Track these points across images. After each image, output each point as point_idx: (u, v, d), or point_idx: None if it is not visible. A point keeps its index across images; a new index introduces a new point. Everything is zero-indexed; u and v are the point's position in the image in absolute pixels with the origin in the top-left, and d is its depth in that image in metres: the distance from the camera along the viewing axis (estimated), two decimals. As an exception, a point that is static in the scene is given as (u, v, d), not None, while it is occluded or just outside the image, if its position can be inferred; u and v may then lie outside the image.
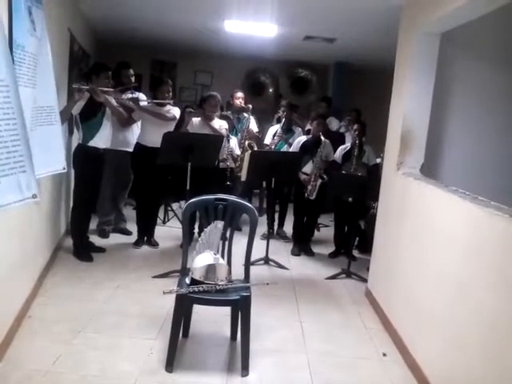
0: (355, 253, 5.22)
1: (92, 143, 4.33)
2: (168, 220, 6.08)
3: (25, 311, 3.23)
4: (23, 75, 2.62)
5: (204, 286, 2.74)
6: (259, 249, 4.71)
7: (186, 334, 3.13)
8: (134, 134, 5.09)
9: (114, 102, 4.50)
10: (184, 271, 2.97)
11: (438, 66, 3.65)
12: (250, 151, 5.22)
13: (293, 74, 7.94)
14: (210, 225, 2.96)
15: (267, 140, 5.89)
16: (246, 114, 5.96)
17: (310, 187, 5.09)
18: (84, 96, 4.20)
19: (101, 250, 4.69)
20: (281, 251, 5.30)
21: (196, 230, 4.76)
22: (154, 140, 4.50)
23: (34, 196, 2.36)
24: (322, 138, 5.08)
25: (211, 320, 3.35)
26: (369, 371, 3.00)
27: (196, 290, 2.72)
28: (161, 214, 5.72)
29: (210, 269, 2.79)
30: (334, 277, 4.62)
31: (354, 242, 5.24)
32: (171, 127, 4.83)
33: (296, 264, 4.98)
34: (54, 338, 2.99)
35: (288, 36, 6.05)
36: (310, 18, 5.14)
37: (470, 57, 4.11)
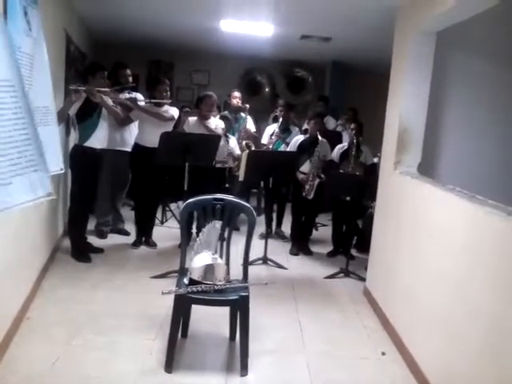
0: (353, 252, 5.22)
1: (88, 143, 4.32)
2: (166, 220, 6.08)
3: (23, 313, 3.22)
4: (19, 76, 2.61)
5: (202, 286, 2.74)
6: (257, 248, 4.71)
7: (184, 335, 3.13)
8: (132, 133, 5.08)
9: (110, 101, 4.50)
10: (182, 271, 2.97)
11: (434, 64, 3.66)
12: (247, 151, 5.22)
13: (289, 73, 7.93)
14: (208, 225, 2.96)
15: (264, 140, 5.89)
16: (243, 114, 5.97)
17: (307, 187, 5.09)
18: (81, 97, 4.20)
19: (99, 250, 4.68)
20: (279, 251, 5.30)
21: (194, 230, 4.76)
22: (152, 140, 4.50)
23: (49, 194, 2.37)
24: (320, 137, 5.08)
25: (210, 320, 3.35)
26: (368, 370, 3.01)
27: (194, 290, 2.72)
28: (159, 215, 5.71)
29: (209, 269, 2.79)
30: (332, 276, 4.63)
31: (352, 241, 5.25)
32: (169, 127, 4.83)
33: (294, 263, 4.98)
34: (53, 340, 2.99)
35: (284, 35, 6.05)
36: (306, 17, 5.14)
37: (466, 55, 4.12)
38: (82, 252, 4.47)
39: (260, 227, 5.35)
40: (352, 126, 5.31)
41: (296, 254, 5.27)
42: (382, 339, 3.43)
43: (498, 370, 2.10)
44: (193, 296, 2.72)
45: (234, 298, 2.79)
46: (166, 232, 5.59)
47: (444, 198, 2.83)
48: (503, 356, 2.07)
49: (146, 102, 4.88)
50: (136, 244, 5.00)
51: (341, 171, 5.11)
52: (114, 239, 5.19)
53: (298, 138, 5.38)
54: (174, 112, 4.92)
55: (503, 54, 4.05)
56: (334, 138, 5.94)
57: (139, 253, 4.89)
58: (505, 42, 3.97)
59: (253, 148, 5.80)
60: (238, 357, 2.84)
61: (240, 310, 2.84)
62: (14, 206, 2.17)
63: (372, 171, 5.03)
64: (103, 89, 4.32)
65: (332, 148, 5.35)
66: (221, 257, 2.99)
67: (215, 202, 3.00)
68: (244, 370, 2.80)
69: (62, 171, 3.29)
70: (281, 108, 5.89)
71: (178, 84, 8.41)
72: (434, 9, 3.21)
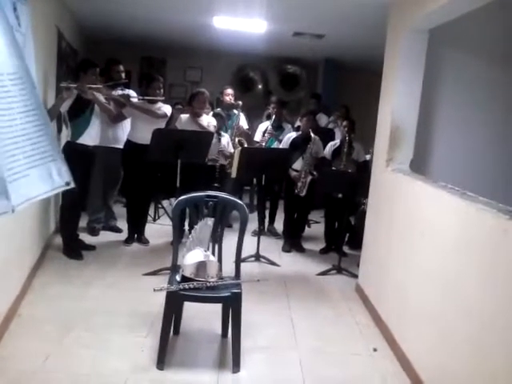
0: (346, 249, 5.24)
1: (81, 140, 4.30)
2: (158, 217, 6.06)
3: (14, 310, 3.20)
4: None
5: (194, 283, 2.74)
6: (250, 245, 4.71)
7: (176, 332, 3.13)
8: (125, 130, 5.05)
9: (102, 98, 4.47)
10: (174, 268, 2.96)
11: (426, 62, 3.67)
12: (239, 148, 5.21)
13: (282, 70, 7.93)
14: (200, 222, 2.96)
15: (257, 137, 5.89)
16: (235, 111, 5.96)
17: (299, 184, 5.09)
18: (72, 94, 4.17)
19: (91, 247, 4.67)
20: (271, 248, 5.30)
21: (186, 227, 4.76)
22: (145, 137, 4.47)
23: (68, 183, 2.37)
24: (312, 134, 5.09)
25: (202, 317, 3.35)
26: (360, 367, 3.02)
27: (186, 287, 2.72)
28: (151, 212, 5.70)
29: (201, 266, 2.79)
30: (324, 273, 4.64)
31: (345, 238, 5.27)
32: (162, 124, 4.82)
33: (287, 260, 4.99)
34: (44, 337, 2.97)
35: (277, 32, 6.05)
36: (299, 14, 5.14)
37: (458, 53, 4.13)
38: (74, 249, 4.45)
39: (252, 224, 5.35)
40: (344, 123, 5.31)
41: (288, 251, 5.28)
42: (374, 335, 3.45)
43: (489, 366, 2.11)
44: (185, 293, 2.72)
45: (227, 294, 2.79)
46: (159, 229, 5.58)
47: (435, 194, 2.84)
48: (494, 352, 2.08)
49: (139, 99, 4.85)
50: (128, 241, 4.99)
51: (333, 168, 5.11)
52: (106, 236, 5.18)
53: (290, 135, 5.38)
54: (167, 109, 4.91)
55: (496, 51, 4.07)
56: (327, 135, 5.96)
57: (131, 250, 4.88)
58: (498, 40, 3.99)
59: (245, 145, 5.79)
60: (230, 354, 2.84)
61: (232, 306, 2.84)
62: (34, 197, 2.17)
63: (364, 168, 5.05)
64: (95, 85, 4.29)
65: (324, 145, 5.35)
66: (213, 254, 2.98)
67: (208, 199, 3.00)
68: (236, 366, 2.80)
69: None
70: (273, 105, 5.89)
71: (170, 81, 8.37)
72: (426, 6, 3.22)
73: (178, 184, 4.41)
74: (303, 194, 5.11)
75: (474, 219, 2.36)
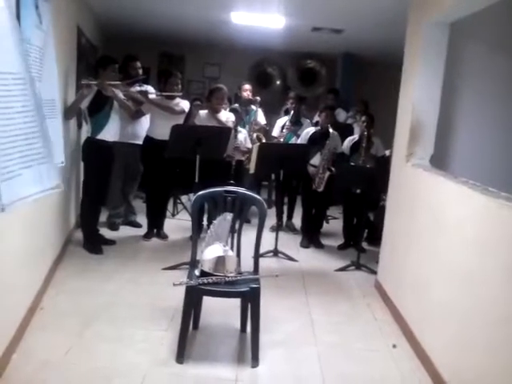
0: (364, 245, 5.21)
1: (100, 136, 4.35)
2: (177, 213, 6.10)
3: (36, 303, 3.26)
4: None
5: (213, 277, 2.75)
6: (268, 241, 4.71)
7: (196, 326, 3.15)
8: (143, 127, 5.09)
9: (121, 95, 4.51)
10: (193, 263, 2.98)
11: (447, 55, 3.61)
12: (258, 143, 5.21)
13: (301, 65, 7.89)
14: (219, 217, 2.97)
15: (275, 132, 5.88)
16: (253, 107, 5.96)
17: (317, 179, 5.07)
18: (92, 91, 4.22)
19: (111, 242, 4.72)
20: (290, 243, 5.30)
21: (205, 223, 4.78)
22: (163, 133, 4.49)
23: (58, 186, 2.39)
24: (331, 129, 5.06)
25: (221, 312, 3.37)
26: (379, 363, 3.01)
27: (205, 281, 2.73)
28: (170, 207, 5.74)
29: (220, 261, 2.80)
30: (343, 269, 4.62)
31: (363, 234, 5.24)
32: (180, 120, 4.83)
33: (305, 256, 4.98)
34: (66, 330, 3.02)
35: (295, 27, 6.02)
36: (317, 8, 5.11)
37: (479, 46, 4.07)
38: (94, 244, 4.51)
39: (271, 220, 5.35)
40: (363, 118, 5.26)
41: (307, 247, 5.27)
42: (393, 332, 3.43)
43: (509, 363, 2.08)
44: (204, 288, 2.74)
45: (245, 289, 2.80)
46: (177, 224, 5.62)
47: (456, 190, 2.81)
48: (515, 349, 2.06)
49: (157, 95, 4.87)
50: (147, 236, 5.03)
51: (351, 163, 5.08)
52: (125, 231, 5.23)
53: (308, 130, 5.36)
54: (185, 105, 4.92)
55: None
56: (345, 131, 5.91)
57: (151, 245, 4.92)
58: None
59: (263, 140, 5.79)
60: (249, 348, 2.85)
61: (251, 301, 2.85)
62: (26, 197, 2.19)
63: (383, 163, 5.00)
64: (114, 82, 4.33)
65: (342, 141, 5.31)
66: (232, 249, 2.99)
67: (226, 194, 3.00)
68: (255, 361, 2.81)
69: (63, 164, 3.32)
70: (291, 100, 5.87)
71: (189, 77, 8.40)
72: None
73: (196, 179, 4.42)
74: (321, 189, 5.09)
75: (495, 215, 2.33)
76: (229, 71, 8.11)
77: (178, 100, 4.88)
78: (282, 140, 5.67)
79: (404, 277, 3.58)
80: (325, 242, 5.42)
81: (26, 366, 2.61)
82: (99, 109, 4.33)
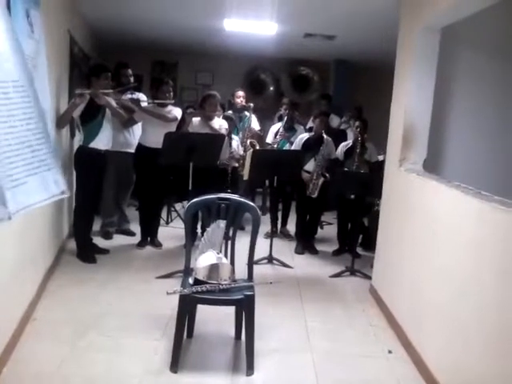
0: (359, 250, 5.20)
1: (93, 145, 4.33)
2: (171, 220, 6.08)
3: (29, 314, 3.23)
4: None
5: (207, 285, 2.74)
6: (262, 248, 4.70)
7: (190, 334, 3.13)
8: (135, 135, 5.08)
9: (114, 103, 4.50)
10: (187, 271, 2.96)
11: (439, 61, 3.63)
12: (252, 150, 5.21)
13: (294, 71, 7.92)
14: (212, 224, 2.95)
15: (269, 139, 5.89)
16: (247, 113, 5.96)
17: (311, 185, 5.07)
18: (85, 99, 4.21)
19: (104, 251, 4.69)
20: (284, 250, 5.29)
21: (199, 230, 4.76)
22: (156, 140, 4.48)
23: (63, 192, 2.38)
24: (325, 135, 5.07)
25: (215, 320, 3.35)
26: (374, 369, 2.99)
27: (199, 289, 2.71)
28: (164, 215, 5.72)
29: (214, 268, 2.78)
30: (338, 275, 4.61)
31: (358, 239, 5.23)
32: (173, 128, 4.82)
33: (300, 262, 4.96)
34: (59, 341, 2.99)
35: (288, 34, 6.04)
36: (309, 15, 5.13)
37: (471, 51, 4.08)
38: (88, 253, 4.48)
39: (265, 226, 5.34)
40: (356, 123, 5.27)
41: (301, 253, 5.26)
42: (389, 337, 3.41)
43: (504, 367, 2.08)
44: (198, 296, 2.72)
45: (239, 297, 2.79)
46: (171, 232, 5.59)
47: (450, 194, 2.81)
48: (509, 353, 2.05)
49: (149, 103, 4.87)
50: (141, 244, 5.01)
51: (345, 169, 5.08)
52: (119, 240, 5.20)
53: (302, 136, 5.36)
54: (178, 112, 4.92)
55: (509, 49, 4.01)
56: (339, 136, 5.93)
57: (144, 253, 4.90)
58: (511, 38, 3.93)
59: (257, 147, 5.79)
60: (244, 356, 2.84)
61: (245, 309, 2.83)
62: (31, 205, 2.18)
63: (377, 169, 5.01)
64: (107, 90, 4.32)
65: (336, 146, 5.32)
66: (226, 256, 2.98)
67: (220, 201, 2.99)
68: (250, 369, 2.79)
69: None
70: (285, 106, 5.88)
71: (182, 84, 8.41)
72: (438, 5, 3.19)
73: (190, 187, 4.41)
74: (315, 195, 5.09)
75: (488, 218, 2.33)
76: (222, 78, 8.12)
77: (170, 107, 4.87)
78: (275, 146, 5.67)
79: (399, 282, 3.58)
80: (319, 247, 5.41)
81: (18, 378, 2.58)
82: (92, 117, 4.31)
